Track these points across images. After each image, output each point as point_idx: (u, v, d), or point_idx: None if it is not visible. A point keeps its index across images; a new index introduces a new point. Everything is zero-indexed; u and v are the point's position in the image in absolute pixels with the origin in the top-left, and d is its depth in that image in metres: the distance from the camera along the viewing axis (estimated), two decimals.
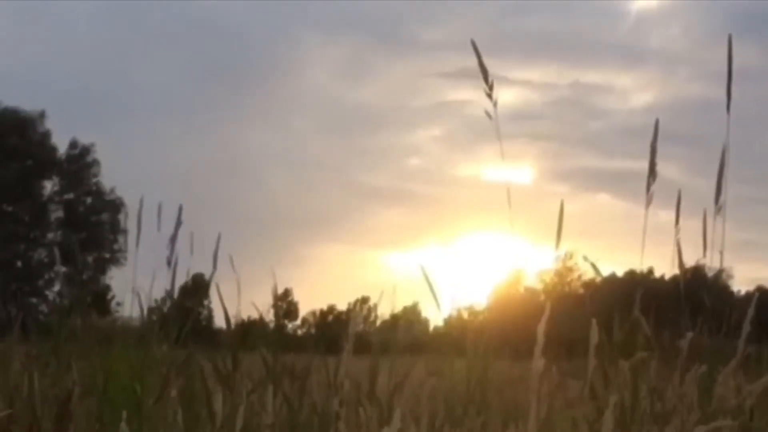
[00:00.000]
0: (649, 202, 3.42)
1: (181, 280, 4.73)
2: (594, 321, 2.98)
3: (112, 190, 48.27)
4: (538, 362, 2.47)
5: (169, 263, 4.18)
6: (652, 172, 3.39)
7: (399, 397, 3.76)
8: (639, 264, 3.64)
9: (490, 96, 3.30)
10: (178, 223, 4.20)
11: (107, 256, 46.77)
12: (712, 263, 3.61)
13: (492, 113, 3.27)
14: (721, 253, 3.52)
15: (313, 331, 46.66)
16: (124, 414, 3.32)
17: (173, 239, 4.19)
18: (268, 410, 3.63)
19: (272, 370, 3.85)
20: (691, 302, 3.76)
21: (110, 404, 3.67)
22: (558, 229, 3.47)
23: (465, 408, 3.84)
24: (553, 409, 3.04)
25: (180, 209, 4.21)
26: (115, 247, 46.10)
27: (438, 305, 3.62)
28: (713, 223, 3.56)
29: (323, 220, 60.47)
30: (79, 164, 48.52)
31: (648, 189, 3.41)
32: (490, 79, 3.29)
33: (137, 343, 3.99)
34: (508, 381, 5.13)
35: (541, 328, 2.53)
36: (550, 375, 2.81)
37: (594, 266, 3.77)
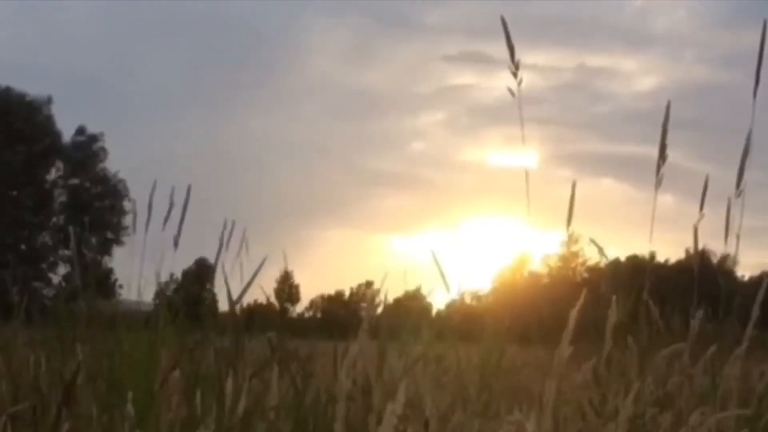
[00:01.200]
0: (658, 185, 3.40)
1: (184, 264, 4.73)
2: (614, 298, 2.97)
3: (116, 175, 48.34)
4: (565, 348, 2.47)
5: (176, 243, 4.19)
6: (662, 154, 3.37)
7: (407, 380, 3.76)
8: (644, 248, 3.63)
9: (515, 75, 3.27)
10: (186, 203, 4.20)
11: (111, 236, 46.86)
12: (723, 248, 3.60)
13: (515, 92, 3.26)
14: (738, 237, 3.51)
15: (319, 315, 46.71)
16: (130, 395, 3.33)
17: (181, 220, 4.19)
18: (273, 392, 3.63)
19: (276, 351, 3.86)
20: (698, 287, 3.76)
21: (117, 387, 3.67)
22: (569, 212, 3.46)
23: (471, 391, 3.84)
24: (562, 393, 3.04)
25: (188, 190, 4.21)
26: (119, 229, 46.15)
27: (448, 288, 3.62)
28: (719, 209, 3.55)
29: (328, 204, 60.58)
30: (85, 151, 48.54)
31: (657, 171, 3.38)
32: (516, 59, 3.26)
33: (144, 325, 4.00)
34: (513, 366, 5.13)
35: (572, 315, 2.52)
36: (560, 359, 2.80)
37: (600, 249, 3.75)
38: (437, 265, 3.56)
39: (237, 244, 4.33)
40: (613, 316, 3.06)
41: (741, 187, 3.43)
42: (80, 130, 48.42)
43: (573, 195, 3.46)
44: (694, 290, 3.64)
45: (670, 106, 3.37)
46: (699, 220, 3.58)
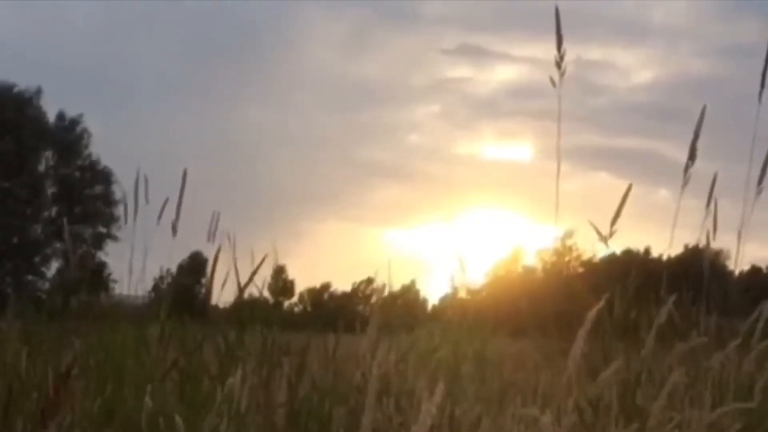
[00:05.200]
0: (685, 184, 3.36)
1: (179, 257, 4.71)
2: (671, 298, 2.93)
3: (99, 161, 48.14)
4: (579, 345, 2.47)
5: (174, 230, 4.13)
6: (692, 155, 3.33)
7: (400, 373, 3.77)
8: (639, 243, 3.62)
9: (559, 65, 3.23)
10: (182, 188, 4.14)
11: (104, 231, 46.71)
12: (718, 245, 3.60)
13: (557, 83, 3.21)
14: (740, 233, 3.50)
15: (309, 308, 46.67)
16: (149, 388, 3.32)
17: (179, 205, 4.13)
18: (274, 388, 3.62)
19: (274, 347, 3.85)
20: (692, 281, 3.76)
21: (114, 380, 3.66)
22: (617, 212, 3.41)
23: (465, 384, 3.84)
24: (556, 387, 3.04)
25: (184, 174, 4.14)
26: (110, 220, 45.98)
27: (464, 272, 3.61)
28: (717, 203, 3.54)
29: (322, 196, 60.35)
30: (70, 136, 48.34)
31: (685, 171, 3.34)
32: (563, 49, 3.22)
33: (139, 320, 3.98)
34: (506, 358, 5.12)
35: (590, 317, 2.51)
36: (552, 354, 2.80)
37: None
38: (457, 255, 3.56)
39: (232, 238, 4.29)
40: (663, 316, 3.07)
41: (762, 184, 3.41)
42: (60, 116, 48.22)
43: (626, 196, 3.40)
44: (703, 287, 3.63)
45: (705, 110, 3.32)
46: (706, 217, 3.55)
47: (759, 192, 3.41)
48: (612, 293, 3.33)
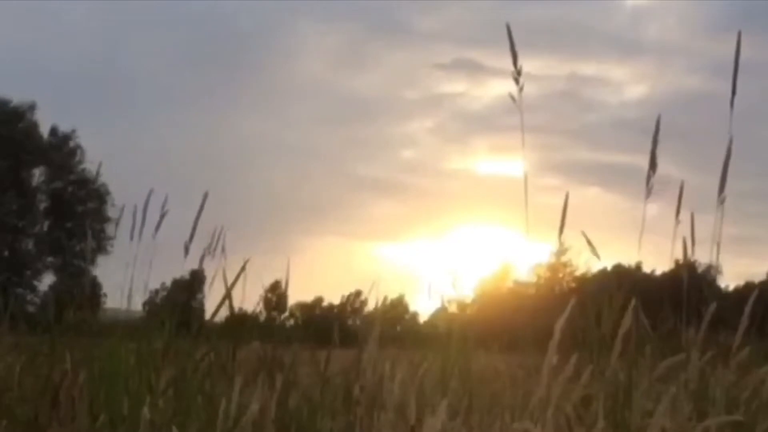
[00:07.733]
0: (648, 195, 3.40)
1: (168, 270, 4.72)
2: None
3: (97, 178, 48.01)
4: (552, 356, 2.49)
5: (186, 250, 4.15)
6: (653, 164, 3.37)
7: (385, 388, 3.78)
8: (631, 258, 3.65)
9: (517, 81, 3.32)
10: (200, 211, 4.16)
11: (94, 245, 46.53)
12: (708, 259, 3.62)
13: (516, 98, 3.30)
14: (718, 245, 3.52)
15: (300, 322, 46.57)
16: (148, 399, 3.33)
17: (194, 227, 4.15)
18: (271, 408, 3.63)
19: (265, 360, 3.87)
20: (682, 297, 3.78)
21: (109, 395, 3.67)
22: (561, 221, 3.47)
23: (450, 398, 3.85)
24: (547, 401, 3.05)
25: (204, 196, 4.17)
26: (102, 235, 45.88)
27: (455, 287, 3.64)
28: (706, 217, 3.57)
29: (316, 210, 60.28)
30: (62, 151, 48.26)
31: (648, 181, 3.39)
32: (519, 65, 3.31)
33: (135, 335, 3.99)
34: (493, 373, 5.14)
35: (558, 326, 2.54)
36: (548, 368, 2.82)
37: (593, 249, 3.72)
38: (447, 269, 3.61)
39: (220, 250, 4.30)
40: (625, 325, 3.09)
41: (723, 195, 3.44)
42: (53, 131, 48.15)
43: (566, 205, 3.47)
44: (695, 301, 3.65)
45: (660, 119, 3.38)
46: (676, 227, 3.58)
47: (721, 201, 3.43)
48: (598, 307, 3.36)
